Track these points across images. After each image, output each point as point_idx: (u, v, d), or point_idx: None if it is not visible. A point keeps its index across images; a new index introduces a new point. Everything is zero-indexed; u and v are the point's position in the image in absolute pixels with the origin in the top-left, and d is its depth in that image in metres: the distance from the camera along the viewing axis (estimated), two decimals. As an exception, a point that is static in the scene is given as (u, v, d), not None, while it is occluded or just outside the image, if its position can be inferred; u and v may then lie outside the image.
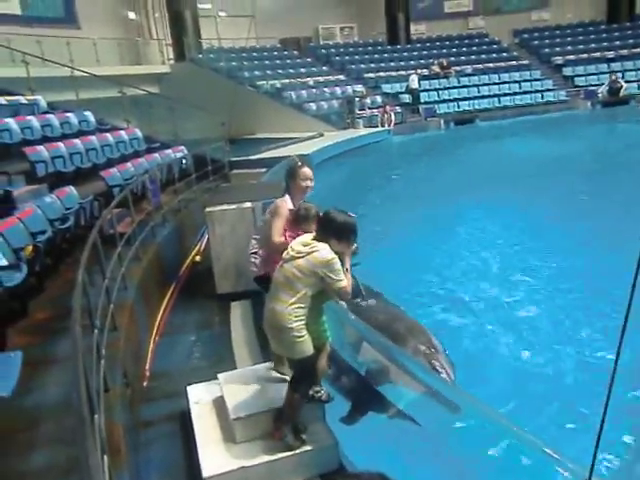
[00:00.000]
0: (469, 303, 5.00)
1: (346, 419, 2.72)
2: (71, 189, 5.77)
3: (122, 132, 8.63)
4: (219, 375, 3.15)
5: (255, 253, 3.54)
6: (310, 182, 3.37)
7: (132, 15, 19.63)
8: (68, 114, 8.27)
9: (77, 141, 7.33)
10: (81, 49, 13.60)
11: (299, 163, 3.37)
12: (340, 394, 2.77)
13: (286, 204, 3.25)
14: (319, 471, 2.55)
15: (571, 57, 21.43)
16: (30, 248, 4.26)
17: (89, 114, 8.68)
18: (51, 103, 8.98)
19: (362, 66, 20.59)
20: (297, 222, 3.01)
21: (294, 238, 3.06)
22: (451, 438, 2.09)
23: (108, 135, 8.17)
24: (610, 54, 21.11)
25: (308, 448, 2.54)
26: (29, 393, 2.93)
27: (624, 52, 21.13)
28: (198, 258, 6.25)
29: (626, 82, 19.00)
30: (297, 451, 2.53)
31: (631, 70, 20.13)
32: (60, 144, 6.92)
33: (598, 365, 3.56)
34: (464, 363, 3.16)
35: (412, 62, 21.03)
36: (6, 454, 2.46)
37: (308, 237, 2.56)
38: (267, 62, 19.30)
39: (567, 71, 21.00)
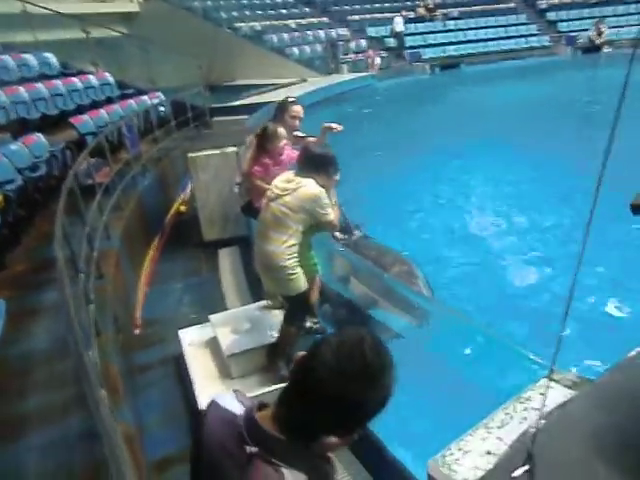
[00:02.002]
0: (451, 237, 5.13)
1: None
2: (39, 136, 5.44)
3: (91, 77, 8.01)
4: (210, 317, 3.16)
5: (239, 184, 3.57)
6: (298, 121, 3.35)
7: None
8: (26, 55, 7.48)
9: (39, 85, 6.75)
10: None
11: (291, 99, 3.34)
12: (332, 325, 2.83)
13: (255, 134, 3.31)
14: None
15: (554, 1, 20.96)
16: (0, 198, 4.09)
17: (50, 56, 7.92)
18: (4, 44, 7.90)
19: (346, 7, 19.61)
20: (260, 144, 3.15)
21: (262, 165, 3.18)
22: (426, 343, 2.20)
23: (75, 79, 7.55)
24: (592, -1, 20.70)
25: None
26: (16, 342, 2.90)
27: (606, -4, 20.71)
28: (183, 208, 6.12)
29: (607, 28, 18.84)
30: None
31: (611, 16, 19.90)
32: (20, 88, 6.34)
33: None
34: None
35: (397, 4, 20.15)
36: (3, 399, 2.46)
37: (290, 174, 2.52)
38: (245, 1, 18.14)
39: (551, 16, 20.58)
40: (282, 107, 3.38)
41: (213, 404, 1.00)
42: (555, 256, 4.29)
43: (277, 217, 2.45)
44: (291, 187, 2.43)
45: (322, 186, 2.44)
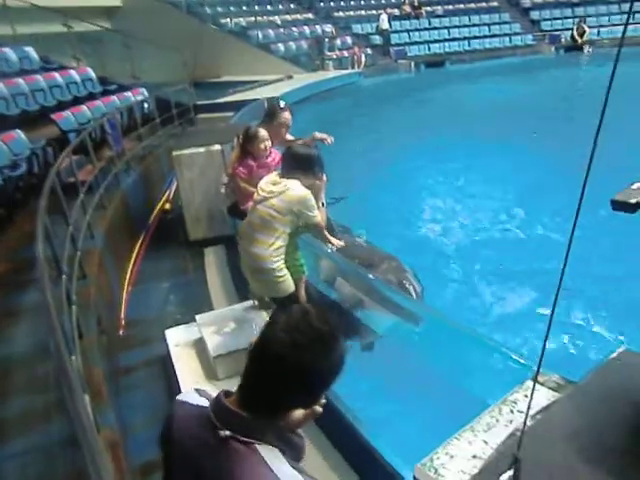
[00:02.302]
0: (436, 235, 5.20)
1: None
2: (18, 133, 5.31)
3: (72, 72, 7.82)
4: (197, 316, 3.13)
5: (226, 184, 3.53)
6: (285, 129, 3.34)
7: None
8: (4, 49, 7.28)
9: (19, 80, 6.57)
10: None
11: (282, 105, 3.30)
12: None
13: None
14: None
15: (538, 0, 21.22)
16: (-23, 197, 3.99)
17: (30, 50, 7.72)
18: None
19: (331, 4, 19.58)
20: (242, 145, 3.18)
21: (246, 167, 3.19)
22: (415, 348, 2.22)
23: (56, 75, 7.37)
24: (575, -1, 21.08)
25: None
26: (-5, 346, 2.83)
27: (588, -3, 21.11)
28: (168, 206, 6.03)
29: (588, 27, 19.22)
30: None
31: (593, 16, 20.34)
32: (-1, 83, 6.22)
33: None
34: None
35: (383, 1, 20.21)
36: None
37: (275, 175, 2.50)
38: (230, -3, 17.98)
39: (534, 15, 20.88)
40: (272, 112, 3.31)
41: (179, 403, 1.04)
42: (548, 258, 4.32)
43: (264, 219, 2.44)
44: (277, 190, 2.43)
45: (307, 187, 2.44)
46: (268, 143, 3.14)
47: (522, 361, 1.46)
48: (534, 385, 1.05)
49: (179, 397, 1.05)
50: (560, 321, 3.28)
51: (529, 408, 1.03)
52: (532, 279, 3.98)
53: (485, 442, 1.17)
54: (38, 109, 6.57)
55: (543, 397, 1.25)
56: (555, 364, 1.36)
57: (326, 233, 2.73)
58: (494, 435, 1.19)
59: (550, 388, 1.28)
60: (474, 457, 1.14)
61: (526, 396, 1.24)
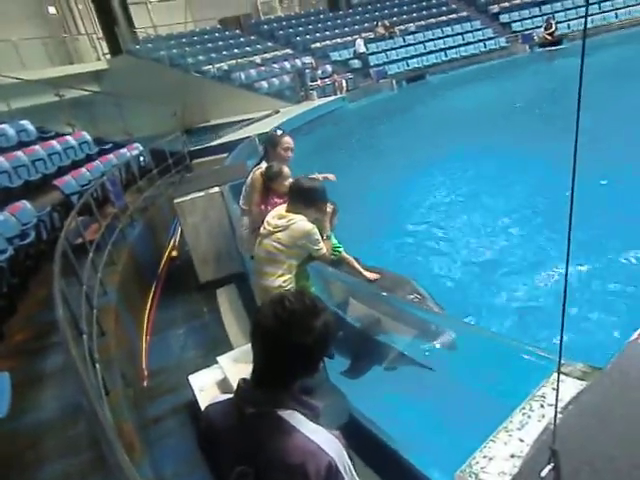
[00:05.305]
0: (439, 246, 5.20)
1: (348, 372, 2.76)
2: (24, 203, 5.48)
3: (69, 137, 8.16)
4: (218, 358, 3.14)
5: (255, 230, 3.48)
6: (290, 152, 3.36)
7: (52, 9, 17.81)
8: (2, 126, 7.67)
9: (19, 153, 6.86)
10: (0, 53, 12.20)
11: (280, 132, 3.38)
12: (337, 352, 2.79)
13: (259, 173, 3.26)
14: (332, 426, 2.58)
15: (505, 4, 21.98)
16: (-8, 269, 4.08)
17: (27, 123, 8.08)
18: (-22, 117, 8.32)
19: (307, 37, 20.23)
20: (266, 184, 3.15)
21: (272, 205, 3.12)
22: (450, 371, 2.19)
23: (53, 142, 7.69)
24: (540, -3, 21.70)
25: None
26: (24, 413, 2.86)
27: (552, -6, 21.72)
28: (175, 253, 6.13)
29: (557, 23, 19.74)
30: (307, 412, 2.55)
31: (560, 11, 20.93)
32: (0, 158, 6.47)
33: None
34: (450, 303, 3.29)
35: (356, 27, 20.91)
36: (17, 474, 2.41)
37: (281, 209, 2.56)
38: (210, 45, 18.61)
39: (504, 18, 21.50)
40: (272, 142, 3.34)
41: (209, 406, 1.20)
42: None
43: (270, 253, 2.51)
44: (282, 224, 2.48)
45: (314, 219, 2.49)
46: (291, 179, 3.10)
47: (545, 354, 1.46)
48: (558, 376, 1.06)
49: (209, 402, 1.21)
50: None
51: (557, 400, 1.04)
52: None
53: (521, 440, 1.18)
54: (40, 177, 6.78)
55: (571, 387, 1.26)
56: (581, 352, 1.37)
57: (359, 267, 2.80)
58: (528, 432, 1.19)
59: (576, 377, 1.29)
60: (512, 456, 1.14)
61: (554, 389, 1.25)
